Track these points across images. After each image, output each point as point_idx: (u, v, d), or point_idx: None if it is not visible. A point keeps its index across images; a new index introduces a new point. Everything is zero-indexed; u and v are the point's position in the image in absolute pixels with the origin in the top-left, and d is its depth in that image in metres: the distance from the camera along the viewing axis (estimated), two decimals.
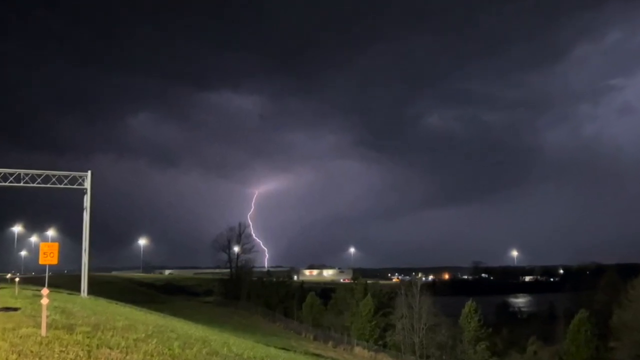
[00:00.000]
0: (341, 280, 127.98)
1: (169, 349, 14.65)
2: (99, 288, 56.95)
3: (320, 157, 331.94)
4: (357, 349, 61.10)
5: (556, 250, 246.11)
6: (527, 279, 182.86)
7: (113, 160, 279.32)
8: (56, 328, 15.55)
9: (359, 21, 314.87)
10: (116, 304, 41.76)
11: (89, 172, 42.48)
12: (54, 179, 41.10)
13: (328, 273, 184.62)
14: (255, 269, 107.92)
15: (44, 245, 25.16)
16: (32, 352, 11.41)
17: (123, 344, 14.00)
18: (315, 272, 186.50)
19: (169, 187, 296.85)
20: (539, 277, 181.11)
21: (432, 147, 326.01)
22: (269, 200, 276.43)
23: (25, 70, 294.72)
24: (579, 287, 79.34)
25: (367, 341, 62.31)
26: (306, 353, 45.84)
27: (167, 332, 20.78)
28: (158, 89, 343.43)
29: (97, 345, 13.23)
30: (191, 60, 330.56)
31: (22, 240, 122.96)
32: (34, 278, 65.94)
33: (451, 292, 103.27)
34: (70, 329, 15.82)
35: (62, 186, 41.48)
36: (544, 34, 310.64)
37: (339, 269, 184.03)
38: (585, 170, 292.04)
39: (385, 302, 68.22)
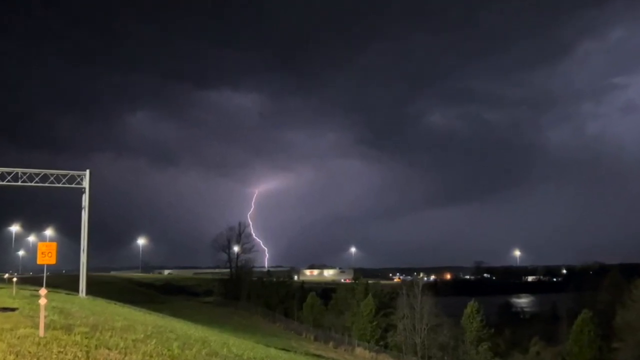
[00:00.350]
0: (342, 280, 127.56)
1: (168, 350, 14.52)
2: (97, 288, 56.79)
3: (320, 156, 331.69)
4: (358, 350, 60.85)
5: (558, 250, 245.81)
6: (530, 279, 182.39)
7: (112, 159, 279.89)
8: (54, 328, 15.38)
9: (359, 20, 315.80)
10: (115, 304, 41.58)
11: (88, 171, 42.22)
12: (52, 178, 40.82)
13: (329, 273, 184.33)
14: (255, 269, 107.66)
15: (42, 245, 24.79)
16: (30, 352, 11.27)
17: (122, 344, 13.90)
18: (315, 272, 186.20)
19: (169, 187, 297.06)
20: (541, 277, 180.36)
21: (433, 146, 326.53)
22: (269, 199, 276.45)
23: (25, 69, 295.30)
24: (582, 287, 78.76)
25: (368, 342, 62.06)
26: (307, 354, 45.58)
27: (166, 332, 20.58)
28: (157, 88, 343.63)
29: (96, 345, 13.11)
30: (191, 59, 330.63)
31: (20, 240, 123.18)
32: (31, 278, 65.86)
33: (453, 292, 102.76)
34: (68, 329, 15.63)
35: (60, 185, 41.21)
36: (545, 32, 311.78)
37: (339, 268, 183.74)
38: (588, 169, 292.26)
39: (386, 302, 67.99)
